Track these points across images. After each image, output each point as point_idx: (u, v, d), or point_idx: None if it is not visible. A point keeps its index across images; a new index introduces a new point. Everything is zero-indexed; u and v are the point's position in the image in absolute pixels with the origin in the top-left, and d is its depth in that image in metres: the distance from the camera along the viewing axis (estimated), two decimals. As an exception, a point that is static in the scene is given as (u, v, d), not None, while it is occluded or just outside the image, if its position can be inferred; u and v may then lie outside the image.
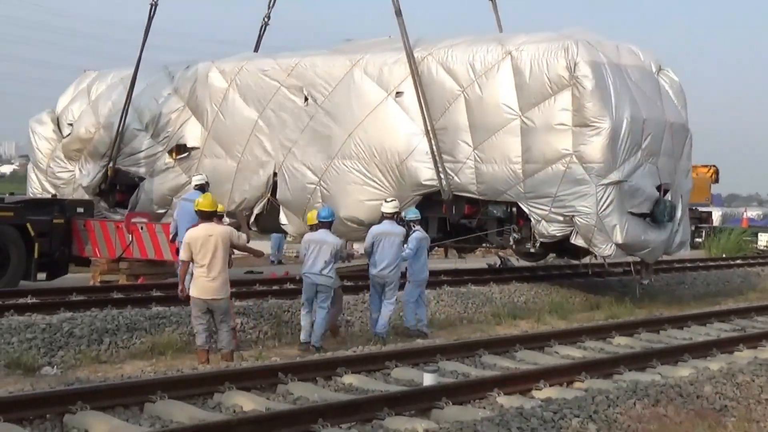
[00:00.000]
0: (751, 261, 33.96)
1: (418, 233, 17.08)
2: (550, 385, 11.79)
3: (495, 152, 20.37)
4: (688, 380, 11.63)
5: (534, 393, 11.55)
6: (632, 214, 19.91)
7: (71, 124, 27.13)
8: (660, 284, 24.56)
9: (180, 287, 13.90)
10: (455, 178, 20.85)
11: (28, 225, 21.12)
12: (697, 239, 44.32)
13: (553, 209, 19.77)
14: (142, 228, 22.21)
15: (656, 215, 20.40)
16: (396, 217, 17.04)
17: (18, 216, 21.19)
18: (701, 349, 14.72)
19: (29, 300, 17.07)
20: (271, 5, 25.76)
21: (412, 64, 21.17)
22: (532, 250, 21.76)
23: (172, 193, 24.87)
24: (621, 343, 15.84)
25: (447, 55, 21.22)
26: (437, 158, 20.87)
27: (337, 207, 20.72)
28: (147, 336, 14.96)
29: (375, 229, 16.77)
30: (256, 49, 26.76)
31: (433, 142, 20.90)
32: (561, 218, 19.77)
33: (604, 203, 19.38)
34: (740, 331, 17.57)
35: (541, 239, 20.47)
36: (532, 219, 20.21)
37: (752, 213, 67.78)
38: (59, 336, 14.29)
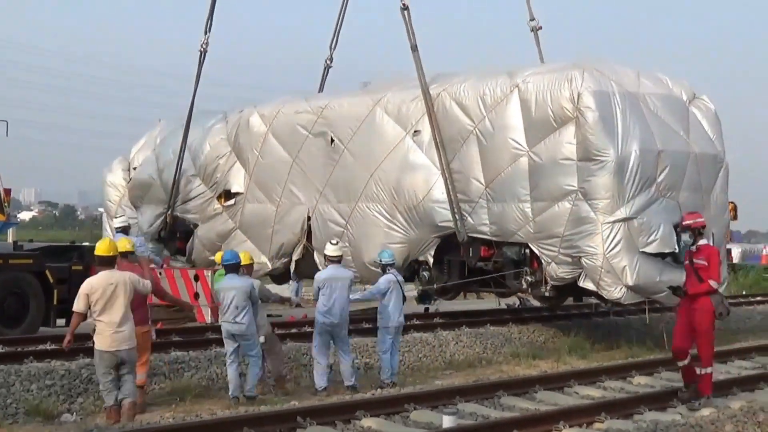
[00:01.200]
0: (772, 298, 33.69)
1: (389, 275, 16.27)
2: (570, 426, 11.74)
3: (505, 190, 19.68)
4: (709, 419, 11.56)
5: (554, 434, 11.48)
6: (646, 253, 18.68)
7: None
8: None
9: (68, 338, 12.73)
10: (469, 218, 20.22)
11: (47, 272, 21.20)
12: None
13: (561, 250, 18.92)
14: (160, 273, 22.27)
15: (677, 254, 18.69)
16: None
17: (37, 263, 21.28)
18: (722, 388, 14.59)
19: (48, 346, 17.13)
20: (333, 47, 25.62)
21: (428, 100, 20.67)
22: (547, 294, 20.39)
23: (221, 240, 24.66)
24: (641, 383, 15.74)
25: (459, 89, 20.63)
26: (452, 198, 20.26)
27: (362, 251, 20.77)
28: (166, 381, 14.99)
29: (320, 275, 15.87)
30: (320, 91, 26.37)
31: (448, 181, 20.31)
32: (570, 260, 18.90)
33: (611, 242, 18.38)
34: (761, 369, 17.43)
35: (552, 282, 19.45)
36: (542, 261, 19.38)
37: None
38: (78, 382, 14.33)
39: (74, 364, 14.93)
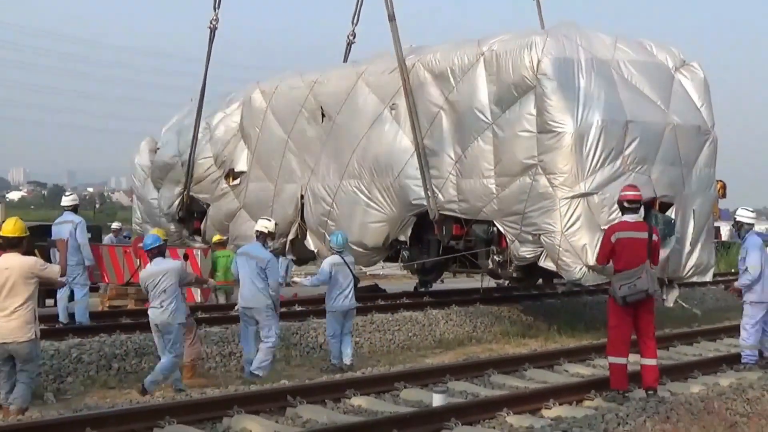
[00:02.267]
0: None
1: (333, 257, 15.61)
2: (560, 404, 11.76)
3: (472, 166, 18.62)
4: (699, 397, 11.56)
5: (544, 412, 11.51)
6: None
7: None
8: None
9: None
10: (440, 195, 19.21)
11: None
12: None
13: (523, 228, 17.81)
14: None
15: None
16: (266, 238, 15.06)
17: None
18: (711, 365, 14.67)
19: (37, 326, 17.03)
20: (355, 22, 24.74)
21: (404, 71, 19.52)
22: (514, 275, 19.50)
23: (228, 219, 24.50)
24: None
25: (432, 59, 19.52)
26: (425, 174, 19.29)
27: (348, 230, 19.88)
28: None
29: (238, 252, 15.20)
30: None
31: (420, 156, 19.32)
32: (531, 238, 17.78)
33: (569, 219, 17.17)
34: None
35: (517, 262, 18.39)
36: (507, 239, 18.36)
37: (760, 227, 67.54)
38: (68, 362, 14.29)
39: (63, 344, 14.90)
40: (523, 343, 18.42)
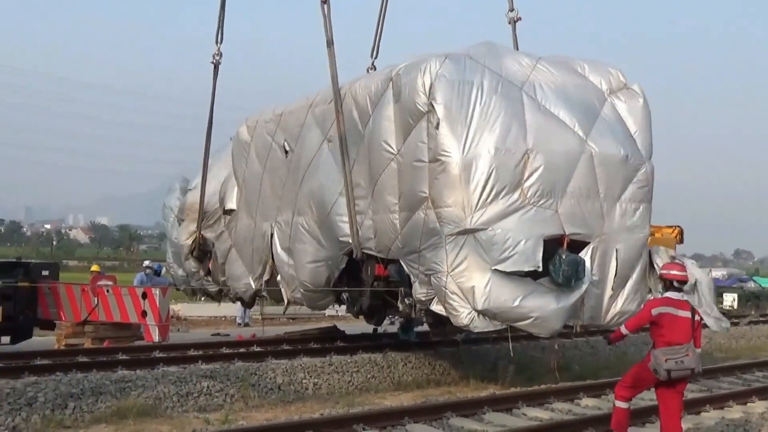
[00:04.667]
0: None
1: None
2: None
3: (381, 200, 17.11)
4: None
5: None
6: (503, 272, 15.35)
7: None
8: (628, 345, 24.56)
9: None
10: (361, 232, 17.72)
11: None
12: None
13: (420, 267, 16.09)
14: (108, 291, 22.12)
15: (552, 274, 15.64)
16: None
17: (-18, 279, 21.04)
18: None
19: (-7, 364, 16.90)
20: (374, 57, 23.08)
21: (337, 101, 18.03)
22: (424, 320, 18.10)
23: (222, 259, 23.28)
24: (589, 405, 15.83)
25: (357, 87, 18.02)
26: (350, 210, 17.80)
27: (297, 270, 19.30)
28: (112, 400, 14.82)
29: None
30: None
31: (347, 191, 17.82)
32: (425, 278, 16.00)
33: (455, 258, 15.43)
34: (707, 392, 17.58)
35: (419, 305, 16.61)
36: (411, 280, 16.61)
37: (717, 273, 68.09)
38: (23, 400, 14.13)
39: (19, 383, 14.76)
40: (482, 387, 18.42)
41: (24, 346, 21.67)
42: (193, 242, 24.51)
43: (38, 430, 13.51)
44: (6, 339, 21.62)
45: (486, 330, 15.83)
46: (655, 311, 11.43)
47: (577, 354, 22.73)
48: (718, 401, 15.86)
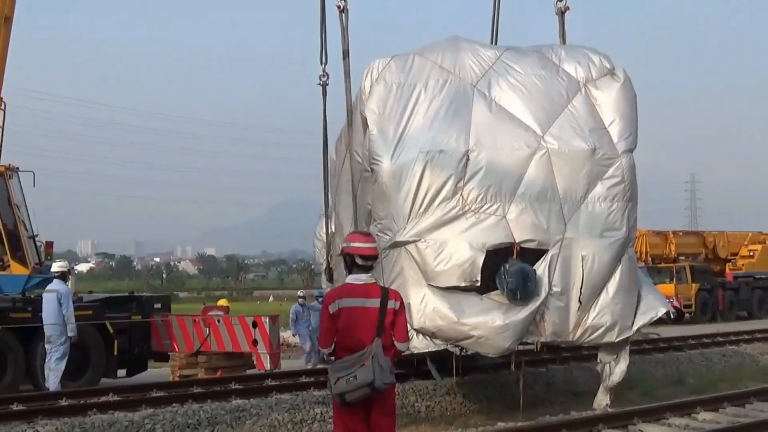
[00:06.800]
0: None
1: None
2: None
3: (344, 215, 16.62)
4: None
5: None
6: (439, 288, 14.17)
7: None
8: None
9: None
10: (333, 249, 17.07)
11: (107, 323, 21.44)
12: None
13: None
14: (218, 321, 22.45)
15: (498, 286, 14.15)
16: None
17: (97, 315, 21.53)
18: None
19: (111, 398, 17.23)
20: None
21: (350, 114, 16.29)
22: None
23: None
24: (707, 419, 15.51)
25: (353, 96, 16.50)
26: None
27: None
28: (228, 430, 15.01)
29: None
30: None
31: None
32: None
33: (389, 273, 14.28)
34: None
35: None
36: None
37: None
38: (142, 432, 14.41)
39: (137, 415, 15.02)
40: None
41: (140, 378, 22.09)
42: (325, 269, 24.65)
43: (157, 461, 13.75)
44: (122, 372, 22.08)
45: (427, 350, 14.63)
46: (332, 307, 8.29)
47: (691, 367, 22.32)
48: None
